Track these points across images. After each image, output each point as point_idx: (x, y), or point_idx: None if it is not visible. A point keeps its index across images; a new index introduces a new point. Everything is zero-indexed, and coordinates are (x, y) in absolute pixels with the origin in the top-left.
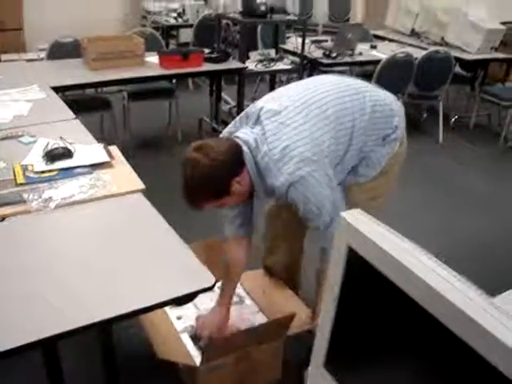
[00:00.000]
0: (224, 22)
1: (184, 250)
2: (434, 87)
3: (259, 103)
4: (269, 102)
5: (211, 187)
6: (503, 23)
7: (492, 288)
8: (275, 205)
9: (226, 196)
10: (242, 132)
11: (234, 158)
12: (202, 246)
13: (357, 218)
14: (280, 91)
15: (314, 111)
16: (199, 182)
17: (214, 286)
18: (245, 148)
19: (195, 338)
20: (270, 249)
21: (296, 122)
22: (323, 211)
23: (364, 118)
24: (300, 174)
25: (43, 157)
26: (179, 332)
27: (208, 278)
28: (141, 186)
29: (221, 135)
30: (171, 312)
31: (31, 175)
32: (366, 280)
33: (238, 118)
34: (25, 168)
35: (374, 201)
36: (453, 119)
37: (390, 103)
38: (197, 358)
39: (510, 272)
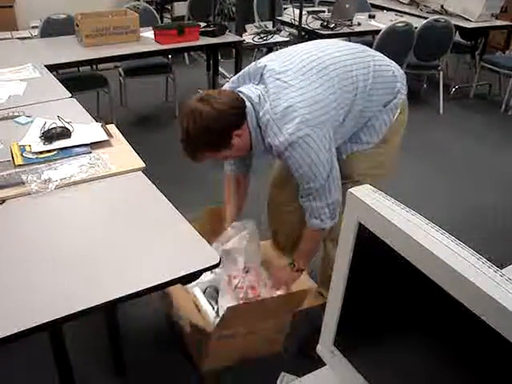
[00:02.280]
0: None
1: (187, 227)
2: (434, 57)
3: (262, 61)
4: (272, 61)
5: (212, 137)
6: None
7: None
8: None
9: (226, 149)
10: (246, 87)
11: (236, 111)
12: (203, 218)
13: (366, 193)
14: (283, 52)
15: (318, 74)
16: (200, 132)
17: (219, 263)
18: (247, 103)
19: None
20: (273, 218)
21: (299, 82)
22: (318, 176)
23: (366, 83)
24: (300, 135)
25: (41, 137)
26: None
27: (213, 256)
28: (140, 164)
29: None
30: None
31: (29, 156)
32: (376, 256)
33: (235, 76)
34: (22, 149)
35: (377, 169)
36: (453, 89)
37: (392, 69)
38: (207, 325)
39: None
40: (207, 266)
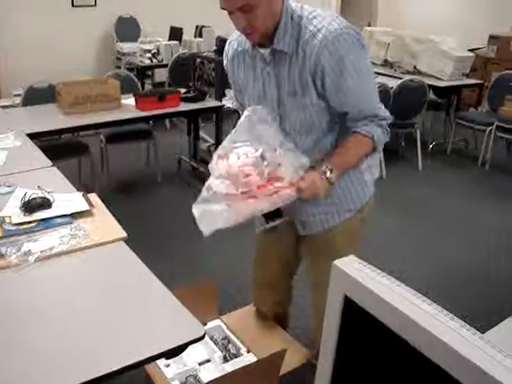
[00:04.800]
0: (199, 60)
1: (170, 299)
2: (410, 115)
3: None
4: None
5: None
6: (471, 50)
7: (479, 313)
8: (262, 249)
9: None
10: None
11: None
12: (188, 290)
13: (351, 265)
14: None
15: None
16: None
17: (203, 336)
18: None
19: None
20: (258, 286)
21: None
22: (372, 91)
23: None
24: (349, 32)
25: (21, 208)
26: (170, 380)
27: (197, 328)
28: (122, 234)
29: None
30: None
31: (9, 228)
32: (363, 328)
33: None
34: (2, 220)
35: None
36: (431, 146)
37: None
38: None
39: (495, 295)
40: (191, 339)
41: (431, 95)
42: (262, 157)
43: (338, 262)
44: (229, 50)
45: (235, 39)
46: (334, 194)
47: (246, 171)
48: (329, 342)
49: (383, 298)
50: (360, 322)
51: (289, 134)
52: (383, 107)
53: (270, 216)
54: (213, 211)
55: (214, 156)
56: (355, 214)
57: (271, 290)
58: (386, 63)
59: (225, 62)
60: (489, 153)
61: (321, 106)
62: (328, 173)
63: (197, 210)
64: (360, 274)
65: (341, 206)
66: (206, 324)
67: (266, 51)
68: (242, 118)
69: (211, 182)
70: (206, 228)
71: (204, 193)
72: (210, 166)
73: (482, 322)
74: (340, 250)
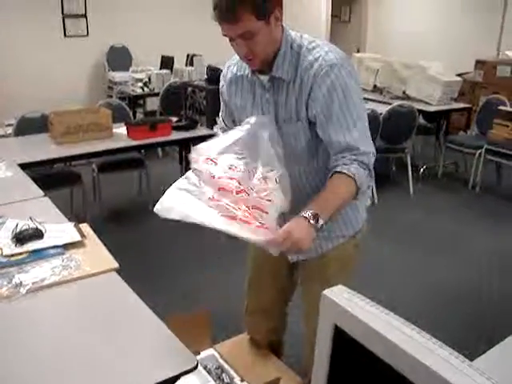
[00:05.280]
0: (190, 89)
1: (162, 330)
2: (400, 140)
3: None
4: None
5: None
6: (458, 75)
7: (469, 339)
8: (255, 272)
9: (263, 21)
10: None
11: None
12: (181, 320)
13: (340, 294)
14: None
15: None
16: None
17: (196, 367)
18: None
19: None
20: (251, 312)
21: None
22: (357, 122)
23: None
24: (343, 64)
25: (12, 239)
26: None
27: (189, 359)
28: (114, 264)
29: None
30: None
31: (0, 260)
32: (354, 357)
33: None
34: None
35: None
36: (421, 170)
37: None
38: None
39: (486, 319)
40: (183, 370)
41: (421, 120)
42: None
43: (327, 292)
44: (227, 73)
45: (235, 63)
46: None
47: (226, 187)
48: (320, 371)
49: (372, 327)
50: (350, 352)
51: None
52: (370, 141)
53: None
54: (188, 202)
55: (201, 153)
56: (349, 239)
57: (265, 316)
58: (375, 89)
59: (221, 84)
60: (479, 176)
61: (312, 135)
62: (316, 220)
63: (173, 192)
64: (349, 304)
65: (333, 232)
66: (199, 353)
67: (265, 78)
68: (247, 125)
69: (198, 181)
70: (165, 210)
71: (190, 186)
72: (193, 160)
73: (472, 348)
74: (333, 276)
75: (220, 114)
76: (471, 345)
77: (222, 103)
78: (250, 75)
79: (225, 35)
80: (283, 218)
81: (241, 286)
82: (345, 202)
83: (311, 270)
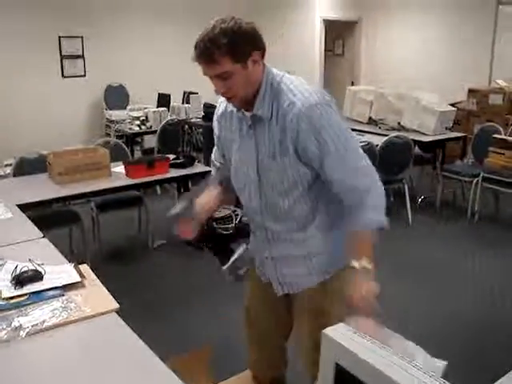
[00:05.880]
0: (187, 126)
1: (163, 371)
2: (397, 171)
3: None
4: None
5: (237, 40)
6: (452, 104)
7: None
8: (252, 302)
9: (240, 65)
10: None
11: (262, 42)
12: (182, 359)
13: (341, 332)
14: None
15: None
16: (229, 29)
17: None
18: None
19: None
20: (251, 348)
21: None
22: (352, 156)
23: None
24: (321, 102)
25: (12, 281)
26: None
27: None
28: (114, 305)
29: None
30: None
31: None
32: None
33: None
34: None
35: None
36: (419, 200)
37: None
38: None
39: (490, 350)
40: None
41: (417, 150)
42: None
43: (327, 331)
44: (219, 108)
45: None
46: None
47: None
48: None
49: (373, 364)
50: None
51: (268, 196)
52: (368, 169)
53: (233, 269)
54: None
55: None
56: (335, 272)
57: (264, 352)
58: (370, 121)
59: (214, 118)
60: (477, 204)
61: (300, 170)
62: (364, 264)
63: None
64: (350, 342)
65: (324, 266)
66: None
67: (248, 114)
68: None
69: None
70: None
71: None
72: None
73: (474, 380)
74: (328, 306)
75: (213, 150)
76: (473, 377)
77: (215, 139)
78: (236, 111)
79: (204, 74)
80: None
81: (239, 323)
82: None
83: (304, 302)
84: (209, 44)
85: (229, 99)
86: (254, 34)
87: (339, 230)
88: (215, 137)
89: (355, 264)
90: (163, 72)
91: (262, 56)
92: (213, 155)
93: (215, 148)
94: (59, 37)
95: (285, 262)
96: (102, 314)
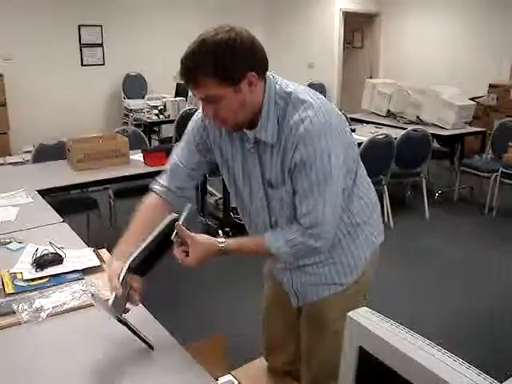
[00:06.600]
0: None
1: (182, 354)
2: (415, 165)
3: None
4: None
5: (227, 61)
6: (472, 99)
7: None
8: (267, 303)
9: (230, 88)
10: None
11: (263, 55)
12: (197, 346)
13: (365, 316)
14: None
15: None
16: (219, 46)
17: None
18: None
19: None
20: (267, 347)
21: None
22: (325, 200)
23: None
24: (331, 123)
25: (32, 264)
26: None
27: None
28: None
29: None
30: None
31: (20, 284)
32: (379, 378)
33: None
34: (13, 276)
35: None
36: (437, 194)
37: None
38: None
39: (505, 345)
40: None
41: (435, 144)
42: None
43: (352, 314)
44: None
45: None
46: (318, 266)
47: None
48: None
49: (398, 348)
50: (376, 373)
51: (277, 215)
52: (327, 227)
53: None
54: None
55: None
56: (350, 286)
57: (280, 350)
58: (389, 114)
59: (197, 117)
60: (495, 199)
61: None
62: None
63: None
64: (374, 326)
65: (331, 279)
66: (217, 379)
67: (251, 133)
68: None
69: None
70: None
71: None
72: None
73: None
74: (332, 322)
75: (177, 152)
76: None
77: (189, 138)
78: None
79: (192, 94)
80: None
81: (253, 311)
82: (258, 254)
83: (309, 316)
84: (192, 64)
85: (220, 123)
86: (251, 51)
87: (352, 241)
88: (189, 136)
89: (221, 241)
90: None
91: (263, 75)
92: (175, 157)
93: (182, 150)
94: (79, 26)
95: (299, 271)
96: None
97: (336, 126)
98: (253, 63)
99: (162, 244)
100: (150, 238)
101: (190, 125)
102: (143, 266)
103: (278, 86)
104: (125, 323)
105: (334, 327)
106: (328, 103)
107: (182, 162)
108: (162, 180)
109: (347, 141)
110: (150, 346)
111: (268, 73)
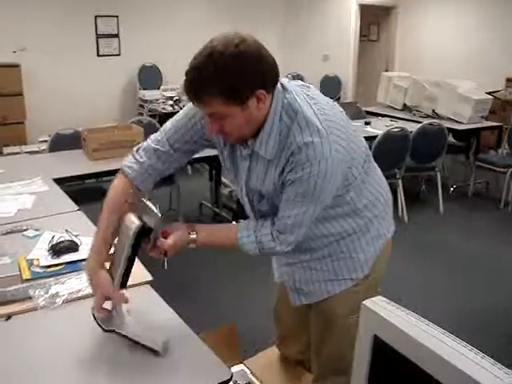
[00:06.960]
0: None
1: (197, 342)
2: (430, 159)
3: None
4: None
5: (234, 80)
6: (489, 93)
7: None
8: (278, 297)
9: (237, 107)
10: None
11: (274, 68)
12: (210, 335)
13: (380, 305)
14: None
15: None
16: (227, 62)
17: (231, 379)
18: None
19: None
20: (279, 337)
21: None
22: (305, 204)
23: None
24: (338, 150)
25: (49, 251)
26: None
27: (224, 371)
28: (148, 277)
29: None
30: None
31: (37, 270)
32: (393, 366)
33: None
34: (30, 263)
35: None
36: (451, 189)
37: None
38: None
39: None
40: (219, 381)
41: (451, 138)
42: None
43: (367, 302)
44: None
45: None
46: (322, 261)
47: None
48: (359, 381)
49: (413, 336)
50: (390, 361)
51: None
52: (298, 231)
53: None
54: None
55: None
56: (360, 281)
57: (292, 340)
58: (404, 107)
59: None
60: (510, 194)
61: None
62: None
63: None
64: (389, 314)
65: (341, 275)
66: (229, 369)
67: (250, 142)
68: None
69: None
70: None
71: None
72: None
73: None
74: (341, 317)
75: (165, 129)
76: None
77: (184, 116)
78: None
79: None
80: None
81: (264, 301)
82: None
83: (318, 311)
84: (196, 81)
85: (224, 138)
86: (260, 67)
87: (363, 235)
88: (186, 115)
89: (193, 235)
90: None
91: (272, 89)
92: (160, 135)
93: (172, 127)
94: (95, 16)
95: (301, 267)
96: (137, 285)
97: (338, 154)
98: (262, 80)
99: (134, 255)
100: (122, 254)
101: (190, 109)
102: (125, 279)
103: (286, 101)
104: (124, 335)
105: (342, 323)
106: (334, 122)
107: (169, 139)
108: (140, 156)
109: (352, 146)
110: (156, 352)
111: (282, 80)
